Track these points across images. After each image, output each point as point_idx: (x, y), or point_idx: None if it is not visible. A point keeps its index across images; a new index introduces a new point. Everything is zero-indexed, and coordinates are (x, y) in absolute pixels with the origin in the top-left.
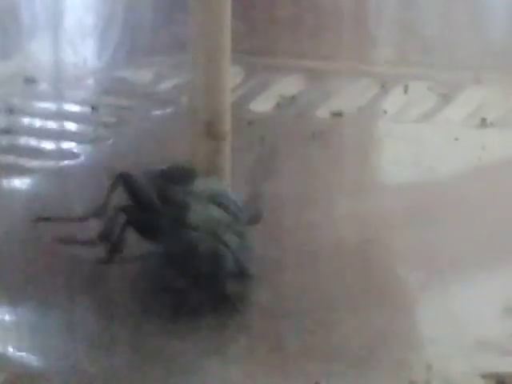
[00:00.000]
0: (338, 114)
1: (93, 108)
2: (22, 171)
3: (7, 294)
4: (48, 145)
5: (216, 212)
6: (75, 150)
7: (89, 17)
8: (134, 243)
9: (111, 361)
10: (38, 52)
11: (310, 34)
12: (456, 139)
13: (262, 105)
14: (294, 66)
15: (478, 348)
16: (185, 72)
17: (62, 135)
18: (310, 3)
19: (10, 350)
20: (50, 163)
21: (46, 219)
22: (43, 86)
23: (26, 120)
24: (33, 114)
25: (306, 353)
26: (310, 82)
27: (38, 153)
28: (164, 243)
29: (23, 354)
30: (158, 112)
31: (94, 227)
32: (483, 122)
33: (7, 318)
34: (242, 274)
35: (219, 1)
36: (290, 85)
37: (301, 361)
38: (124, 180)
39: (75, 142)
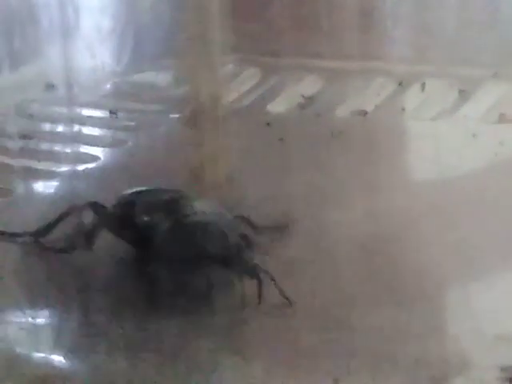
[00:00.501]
0: (356, 113)
1: (111, 112)
2: (42, 175)
3: (28, 297)
4: (67, 149)
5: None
6: (94, 154)
7: (106, 21)
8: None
9: (132, 360)
10: (57, 57)
11: (327, 33)
12: (474, 135)
13: (280, 105)
14: (311, 67)
15: (497, 342)
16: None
17: (81, 139)
18: (327, 3)
19: (32, 351)
20: (69, 167)
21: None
22: (62, 91)
23: (45, 125)
24: (52, 119)
25: (324, 350)
26: (328, 82)
27: (57, 157)
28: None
29: (45, 355)
30: (176, 115)
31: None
32: (501, 118)
33: (29, 319)
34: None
35: None
36: (307, 85)
37: (319, 358)
38: (92, 207)
39: (94, 146)
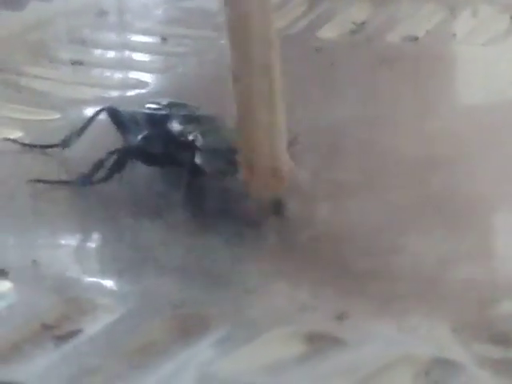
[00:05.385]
0: (407, 39)
1: (162, 38)
2: (92, 101)
3: (79, 220)
4: (118, 75)
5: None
6: (144, 80)
7: None
8: None
9: (182, 283)
10: None
11: None
12: None
13: (331, 31)
14: None
15: None
16: None
17: (131, 65)
18: None
19: (82, 275)
20: (120, 93)
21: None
22: (114, 18)
23: (97, 51)
24: (104, 45)
25: (373, 274)
26: (378, 8)
27: (108, 83)
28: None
29: (95, 279)
30: (226, 41)
31: None
32: None
33: (80, 243)
34: None
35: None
36: (357, 11)
37: (368, 282)
38: (109, 113)
39: (144, 72)
